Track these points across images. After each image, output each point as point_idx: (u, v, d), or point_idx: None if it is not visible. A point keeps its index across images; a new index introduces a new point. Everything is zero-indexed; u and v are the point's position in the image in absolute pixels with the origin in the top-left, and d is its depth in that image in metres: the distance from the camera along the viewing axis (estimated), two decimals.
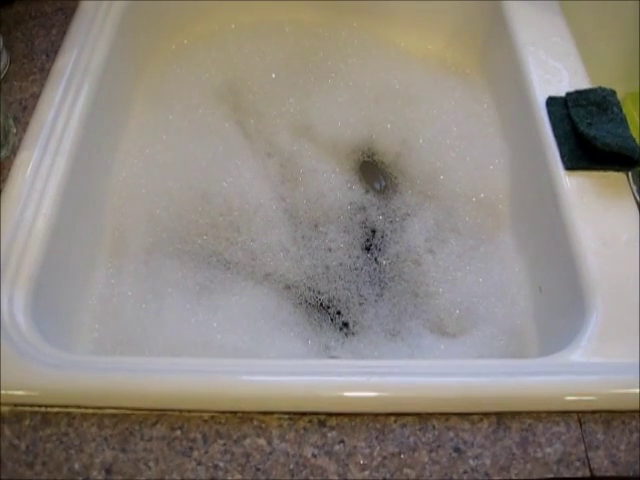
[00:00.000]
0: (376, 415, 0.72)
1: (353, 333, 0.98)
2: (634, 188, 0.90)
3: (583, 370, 0.75)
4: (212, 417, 0.72)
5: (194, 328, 0.94)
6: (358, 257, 1.05)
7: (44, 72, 1.02)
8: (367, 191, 1.13)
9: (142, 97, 1.17)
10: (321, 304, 1.01)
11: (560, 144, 0.93)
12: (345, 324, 0.99)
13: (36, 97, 0.99)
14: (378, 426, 0.71)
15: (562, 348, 0.78)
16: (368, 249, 1.06)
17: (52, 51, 1.05)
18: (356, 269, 1.04)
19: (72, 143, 0.94)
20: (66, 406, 0.73)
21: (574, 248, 0.85)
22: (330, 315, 1.00)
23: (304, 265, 1.03)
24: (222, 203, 1.07)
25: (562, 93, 0.99)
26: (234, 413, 0.72)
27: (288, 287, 1.01)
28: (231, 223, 1.06)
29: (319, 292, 1.01)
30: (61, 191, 0.90)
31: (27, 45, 1.07)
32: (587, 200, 0.89)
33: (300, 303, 1.00)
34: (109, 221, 1.04)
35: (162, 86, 1.19)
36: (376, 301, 1.00)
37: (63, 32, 1.08)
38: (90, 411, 0.73)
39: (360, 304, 1.00)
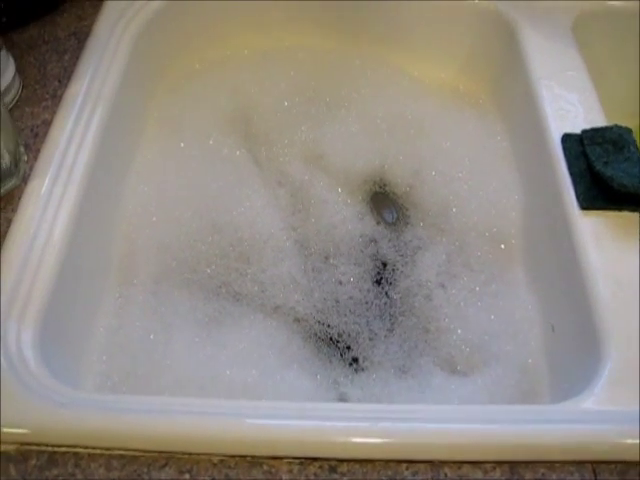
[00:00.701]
0: (387, 462, 0.71)
1: (363, 369, 0.96)
2: None
3: (598, 418, 0.73)
4: (221, 461, 0.71)
5: (202, 362, 0.93)
6: (369, 290, 1.04)
7: (56, 98, 1.02)
8: (378, 223, 1.12)
9: (153, 123, 1.16)
10: (331, 338, 1.00)
11: (575, 182, 0.92)
12: (355, 359, 0.98)
13: (48, 124, 0.98)
14: (389, 473, 0.70)
15: (576, 394, 0.76)
16: (379, 282, 1.05)
17: (64, 77, 1.05)
18: (366, 303, 1.03)
19: (84, 171, 0.94)
20: (74, 446, 0.72)
21: (588, 290, 0.84)
22: (340, 350, 0.98)
23: (314, 298, 1.02)
24: (232, 233, 1.06)
25: (577, 129, 0.98)
26: (243, 457, 0.71)
27: (298, 320, 1.00)
28: (241, 254, 1.05)
29: (329, 326, 1.00)
30: (72, 221, 0.89)
31: (39, 70, 1.06)
32: (602, 241, 0.88)
33: (309, 337, 0.99)
34: (118, 250, 1.03)
35: (173, 112, 1.18)
36: (386, 336, 0.99)
37: (76, 57, 1.07)
38: (98, 452, 0.71)
39: (370, 339, 0.99)
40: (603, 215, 0.90)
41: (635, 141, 0.96)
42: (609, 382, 0.76)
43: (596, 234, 0.88)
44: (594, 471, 0.71)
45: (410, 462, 0.71)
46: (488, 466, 0.71)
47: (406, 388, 0.93)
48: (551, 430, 0.72)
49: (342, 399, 0.93)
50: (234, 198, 1.09)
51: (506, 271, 1.03)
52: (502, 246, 1.05)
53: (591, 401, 0.75)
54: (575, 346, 0.86)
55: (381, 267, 1.07)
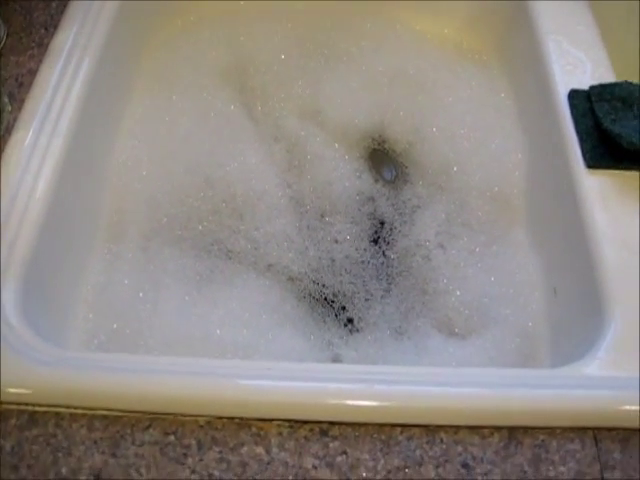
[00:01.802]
0: (381, 425, 0.68)
1: (358, 330, 0.94)
2: None
3: (599, 384, 0.71)
4: (208, 422, 0.69)
5: (192, 321, 0.90)
6: (365, 250, 1.01)
7: (42, 47, 0.98)
8: (376, 180, 1.08)
9: (145, 76, 1.12)
10: (325, 298, 0.97)
11: (582, 140, 0.89)
12: (350, 320, 0.95)
13: (33, 73, 0.95)
14: (383, 437, 0.68)
15: (578, 359, 0.74)
16: (376, 242, 1.02)
17: (51, 25, 1.01)
18: (363, 263, 1.00)
19: (70, 123, 0.90)
20: (55, 405, 0.69)
21: (593, 252, 0.81)
22: (334, 310, 0.96)
23: (309, 257, 0.99)
24: (225, 189, 1.02)
25: (585, 86, 0.94)
26: (231, 419, 0.69)
27: (291, 279, 0.98)
28: (234, 210, 1.02)
29: (324, 285, 0.98)
30: (57, 174, 0.86)
31: (25, 18, 1.02)
32: (609, 201, 0.84)
33: (304, 297, 0.96)
34: (107, 205, 1.00)
35: (166, 65, 1.14)
36: (383, 297, 0.96)
37: (64, 5, 1.03)
38: (80, 412, 0.69)
39: (366, 300, 0.96)
40: (610, 174, 0.87)
41: None
42: (611, 347, 0.73)
43: (602, 194, 0.85)
44: (595, 438, 0.68)
45: (405, 426, 0.68)
46: (486, 431, 0.68)
47: (402, 350, 0.91)
48: (551, 395, 0.70)
49: (336, 360, 0.90)
50: (228, 153, 1.06)
51: (508, 232, 1.00)
52: (504, 205, 1.02)
53: (593, 366, 0.72)
54: (577, 310, 0.83)
55: (379, 226, 1.04)
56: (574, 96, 0.93)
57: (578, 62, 0.98)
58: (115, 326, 0.90)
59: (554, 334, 0.88)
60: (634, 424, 0.68)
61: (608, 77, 0.97)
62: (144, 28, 1.15)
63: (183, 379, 0.70)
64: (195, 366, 0.73)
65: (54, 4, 1.04)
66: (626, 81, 0.93)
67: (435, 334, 0.92)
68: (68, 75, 0.94)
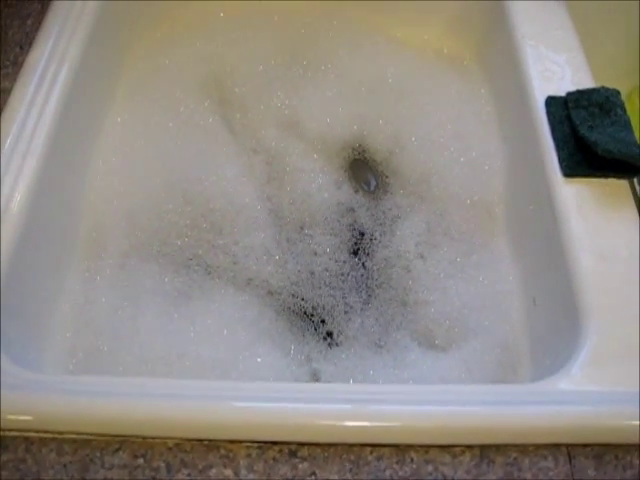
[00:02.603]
0: (350, 445, 0.67)
1: (337, 344, 0.93)
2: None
3: (574, 399, 0.70)
4: (177, 445, 0.68)
5: (170, 338, 0.90)
6: (345, 262, 1.00)
7: (17, 65, 0.97)
8: (356, 191, 1.07)
9: (123, 89, 1.12)
10: (305, 312, 0.96)
11: (559, 148, 0.88)
12: (329, 334, 0.94)
13: (7, 92, 0.94)
14: (352, 457, 0.67)
15: (553, 372, 0.73)
16: (355, 253, 1.01)
17: (26, 43, 1.00)
18: (342, 275, 0.99)
19: (44, 141, 0.90)
20: (24, 430, 0.69)
21: (570, 262, 0.80)
22: (314, 324, 0.95)
23: (288, 270, 0.99)
24: (204, 203, 1.02)
25: (563, 92, 0.93)
26: (200, 441, 0.68)
27: (270, 293, 0.97)
28: (213, 224, 1.01)
29: (303, 299, 0.97)
30: (31, 194, 0.86)
31: (0, 36, 1.02)
32: (586, 209, 0.83)
33: (283, 310, 0.96)
34: (85, 222, 0.99)
35: (144, 78, 1.13)
36: (362, 309, 0.96)
37: (39, 22, 1.02)
38: (49, 436, 0.69)
39: (345, 312, 0.95)
40: (587, 182, 0.86)
41: (623, 104, 0.91)
42: (588, 361, 0.72)
43: (579, 203, 0.84)
44: (569, 454, 0.67)
45: (374, 445, 0.68)
46: (457, 450, 0.67)
47: (381, 364, 0.90)
48: (524, 412, 0.69)
49: (315, 375, 0.90)
50: (206, 167, 1.05)
51: (488, 241, 0.99)
52: (484, 214, 1.01)
53: (568, 381, 0.71)
54: (556, 320, 0.82)
55: (359, 237, 1.03)
56: (551, 103, 0.92)
57: (556, 67, 0.97)
58: (93, 344, 0.89)
59: (534, 345, 0.87)
60: (609, 439, 0.68)
61: (586, 82, 0.96)
62: (122, 41, 1.15)
63: (151, 401, 0.69)
64: (163, 388, 0.72)
65: (29, 21, 1.03)
66: (603, 87, 0.92)
67: (415, 347, 0.91)
68: (42, 93, 0.93)
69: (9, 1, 1.06)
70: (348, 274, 0.99)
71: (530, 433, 0.68)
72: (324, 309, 0.96)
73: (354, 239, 1.03)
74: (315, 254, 1.00)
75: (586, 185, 0.85)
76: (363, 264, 1.00)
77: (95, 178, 1.02)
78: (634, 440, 0.67)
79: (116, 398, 0.70)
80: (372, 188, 1.08)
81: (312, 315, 0.96)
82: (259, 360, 0.88)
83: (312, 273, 0.99)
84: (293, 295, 0.97)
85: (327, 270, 0.99)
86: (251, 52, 1.17)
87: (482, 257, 0.97)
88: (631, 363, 0.72)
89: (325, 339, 0.94)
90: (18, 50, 1.00)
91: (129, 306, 0.93)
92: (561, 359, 0.75)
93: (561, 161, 0.87)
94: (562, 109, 0.91)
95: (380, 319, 0.94)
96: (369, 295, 0.97)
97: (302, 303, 0.96)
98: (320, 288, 0.97)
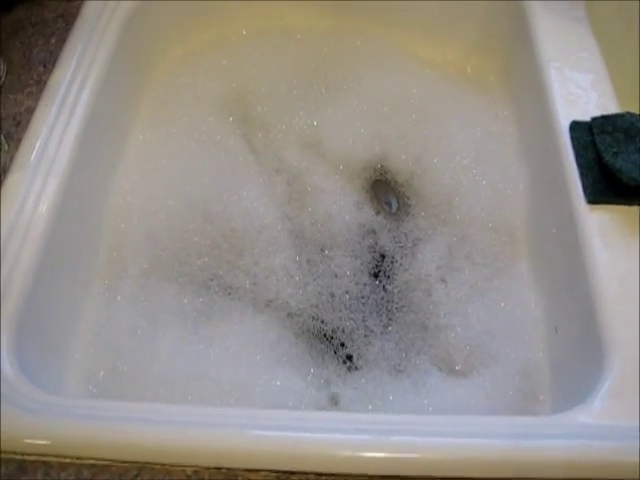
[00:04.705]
0: (370, 477, 0.67)
1: (357, 368, 0.92)
2: None
3: (595, 433, 0.69)
4: (195, 472, 0.68)
5: (189, 359, 0.90)
6: (365, 284, 1.00)
7: (41, 84, 0.98)
8: (378, 212, 1.07)
9: (145, 108, 1.12)
10: (324, 334, 0.96)
11: (583, 174, 0.87)
12: (349, 357, 0.94)
13: (31, 111, 0.95)
14: None
15: (575, 404, 0.72)
16: (376, 276, 1.01)
17: (50, 62, 1.01)
18: (363, 297, 0.98)
19: (66, 162, 0.91)
20: (44, 454, 0.69)
21: (593, 291, 0.79)
22: (333, 347, 0.95)
23: (308, 292, 0.98)
24: (225, 223, 1.02)
25: (587, 116, 0.92)
26: (218, 469, 0.68)
27: (290, 315, 0.97)
28: (234, 245, 1.01)
29: (323, 321, 0.96)
30: (53, 214, 0.87)
31: (25, 55, 1.02)
32: (610, 237, 0.82)
33: (302, 333, 0.95)
34: (106, 241, 1.00)
35: (167, 96, 1.14)
36: (382, 333, 0.95)
37: (62, 41, 1.03)
38: (68, 460, 0.69)
39: (365, 336, 0.95)
40: (611, 209, 0.84)
41: None
42: (611, 394, 0.71)
43: (603, 230, 0.83)
44: None
45: (394, 478, 0.67)
46: None
47: (401, 389, 0.89)
48: (544, 445, 0.68)
49: (334, 399, 0.89)
50: (228, 186, 1.05)
51: (510, 265, 0.98)
52: (506, 238, 1.00)
53: (589, 414, 0.70)
54: (578, 351, 0.81)
55: (379, 259, 1.02)
56: (575, 128, 0.91)
57: (581, 91, 0.96)
58: (113, 364, 0.90)
59: (555, 373, 0.86)
60: (632, 476, 0.66)
61: (611, 106, 0.94)
62: (145, 59, 1.15)
63: (170, 428, 0.69)
64: (182, 414, 0.72)
65: (53, 40, 1.04)
66: (628, 112, 0.91)
67: (435, 372, 0.91)
68: (65, 112, 0.94)
69: (34, 20, 1.07)
70: (368, 297, 0.99)
71: (550, 467, 0.67)
72: (344, 332, 0.96)
73: (375, 261, 1.02)
74: (336, 276, 1.00)
75: (610, 212, 0.84)
76: (384, 287, 0.99)
77: (116, 197, 1.02)
78: None
79: (135, 424, 0.70)
80: (393, 210, 1.07)
81: (332, 338, 0.95)
82: (278, 384, 0.88)
83: (332, 295, 0.98)
84: (313, 317, 0.97)
85: (347, 292, 0.99)
86: (273, 71, 1.17)
87: (503, 282, 0.96)
88: None
89: (345, 363, 0.93)
90: (42, 69, 1.00)
91: (149, 326, 0.93)
92: (582, 390, 0.74)
93: (585, 187, 0.86)
94: (587, 134, 0.90)
95: (400, 343, 0.94)
96: (389, 318, 0.96)
97: (322, 326, 0.96)
98: (340, 311, 0.97)
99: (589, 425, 0.69)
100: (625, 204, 0.84)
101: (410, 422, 0.73)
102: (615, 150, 0.87)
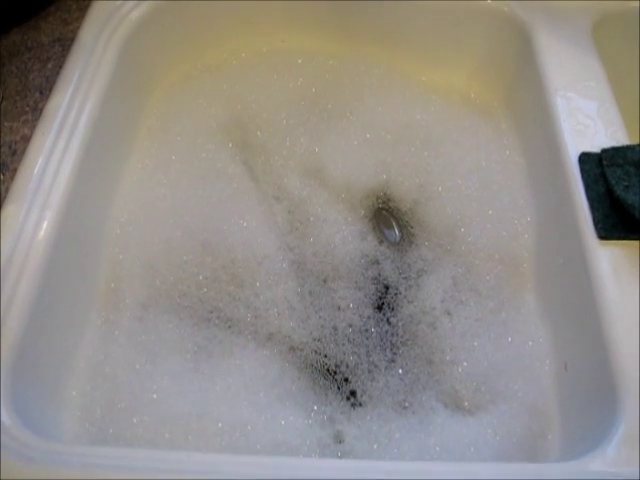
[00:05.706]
0: None
1: (361, 404, 0.90)
2: None
3: None
4: None
5: (189, 397, 0.87)
6: (369, 317, 0.97)
7: (37, 111, 0.95)
8: (381, 242, 1.05)
9: (143, 135, 1.10)
10: (327, 369, 0.93)
11: (593, 208, 0.85)
12: (353, 393, 0.91)
13: (27, 140, 0.92)
14: None
15: (587, 450, 0.70)
16: (380, 308, 0.99)
17: (46, 88, 0.98)
18: (366, 331, 0.96)
19: (63, 192, 0.88)
20: None
21: (605, 329, 0.77)
22: (337, 382, 0.92)
23: (310, 325, 0.96)
24: (225, 254, 1.00)
25: (596, 147, 0.90)
26: None
27: (292, 349, 0.94)
28: (234, 276, 0.98)
29: (326, 356, 0.94)
30: (49, 247, 0.84)
31: (21, 80, 1.00)
32: (622, 274, 0.80)
33: (305, 368, 0.93)
34: (103, 272, 0.97)
35: (165, 122, 1.11)
36: (387, 368, 0.93)
37: (59, 66, 1.00)
38: None
39: (369, 371, 0.93)
40: (623, 245, 0.83)
41: None
42: (624, 441, 0.69)
43: (615, 266, 0.81)
44: None
45: None
46: None
47: (407, 426, 0.87)
48: None
49: (338, 437, 0.87)
50: (227, 215, 1.03)
51: (517, 298, 0.96)
52: (513, 270, 0.98)
53: (603, 462, 0.68)
54: (589, 390, 0.79)
55: (383, 291, 1.00)
56: (585, 160, 0.89)
57: (589, 121, 0.94)
58: (111, 401, 0.87)
59: (564, 412, 0.84)
60: None
61: (621, 137, 0.93)
62: (143, 83, 1.13)
63: (166, 477, 0.67)
64: (182, 463, 0.70)
65: (50, 65, 1.02)
66: (639, 144, 0.89)
67: (441, 409, 0.89)
68: (61, 141, 0.91)
69: (30, 44, 1.05)
70: (372, 330, 0.96)
71: None
72: (347, 367, 0.93)
73: (378, 293, 1.00)
74: (338, 309, 0.98)
75: (622, 248, 0.82)
76: (388, 320, 0.97)
77: (114, 227, 1.00)
78: None
79: (133, 473, 0.68)
80: (397, 239, 1.05)
81: (335, 373, 0.93)
82: (282, 423, 0.86)
83: (335, 329, 0.96)
84: (315, 351, 0.94)
85: (351, 326, 0.97)
86: (274, 95, 1.15)
87: (510, 315, 0.95)
88: None
89: (348, 399, 0.91)
90: (38, 95, 0.98)
91: (147, 362, 0.91)
92: (594, 434, 0.72)
93: (596, 223, 0.84)
94: (596, 166, 0.88)
95: (405, 379, 0.92)
96: (394, 353, 0.94)
97: (325, 360, 0.94)
98: (343, 344, 0.95)
99: (603, 473, 0.67)
100: (637, 239, 0.83)
101: (416, 470, 0.70)
102: (626, 184, 0.85)
